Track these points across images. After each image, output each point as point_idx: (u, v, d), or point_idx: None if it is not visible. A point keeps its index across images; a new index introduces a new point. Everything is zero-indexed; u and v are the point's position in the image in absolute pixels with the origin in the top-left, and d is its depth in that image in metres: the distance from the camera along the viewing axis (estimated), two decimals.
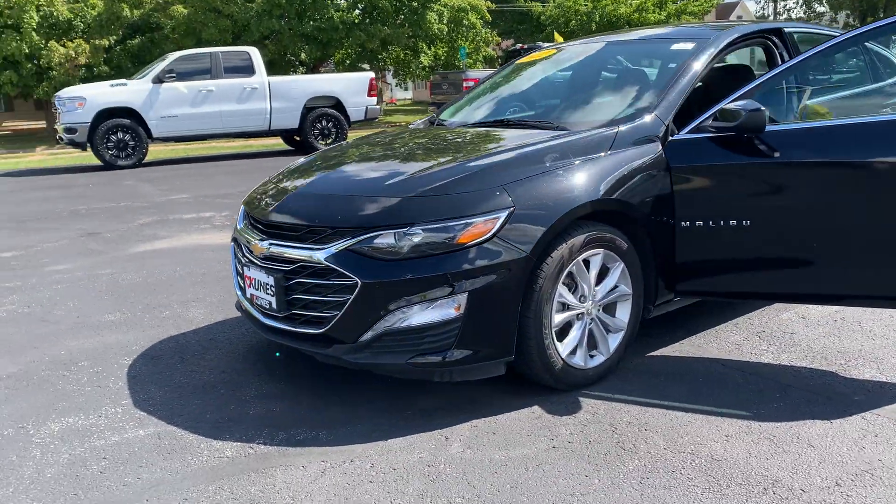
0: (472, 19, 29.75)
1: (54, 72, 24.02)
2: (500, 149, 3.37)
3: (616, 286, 3.28)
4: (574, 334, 3.17)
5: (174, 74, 13.18)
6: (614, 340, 3.31)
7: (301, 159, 4.05)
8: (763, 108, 3.09)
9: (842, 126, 3.19)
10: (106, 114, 12.76)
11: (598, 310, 3.25)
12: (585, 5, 33.63)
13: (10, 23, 24.06)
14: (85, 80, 21.40)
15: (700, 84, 3.83)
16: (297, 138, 15.03)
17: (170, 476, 2.65)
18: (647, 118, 3.42)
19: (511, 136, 3.60)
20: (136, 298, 4.88)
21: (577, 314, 3.18)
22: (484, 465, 2.62)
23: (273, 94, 13.98)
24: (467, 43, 30.15)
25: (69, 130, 12.71)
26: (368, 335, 2.93)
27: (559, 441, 2.78)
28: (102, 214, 8.37)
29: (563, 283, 3.10)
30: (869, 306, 3.26)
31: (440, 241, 2.86)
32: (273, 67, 27.44)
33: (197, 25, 25.80)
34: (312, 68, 28.80)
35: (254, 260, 3.32)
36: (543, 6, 35.68)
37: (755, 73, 4.18)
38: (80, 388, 3.45)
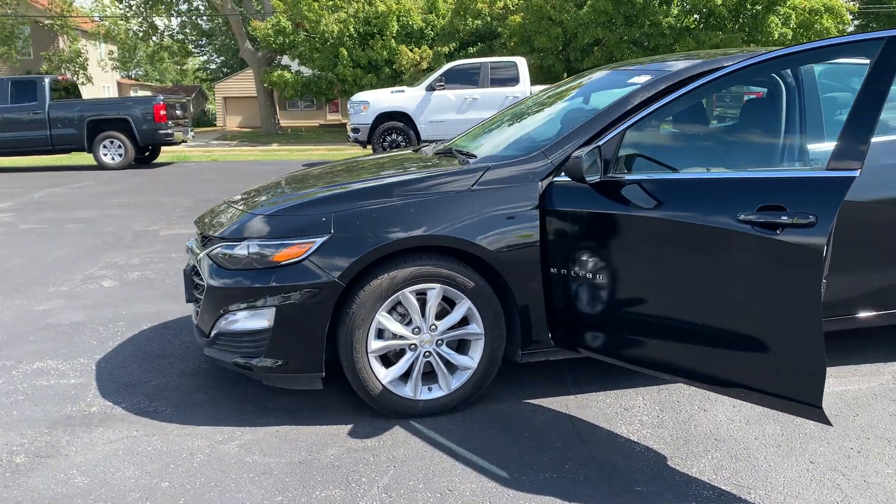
0: (825, 23, 26.88)
1: (405, 75, 27.27)
2: (371, 178, 3.51)
3: (466, 324, 3.24)
4: (401, 364, 3.22)
5: (444, 83, 14.35)
6: (458, 379, 3.26)
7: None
8: (581, 156, 2.82)
9: (683, 181, 2.75)
10: (385, 117, 14.40)
11: (440, 344, 3.23)
12: None
13: (374, 31, 28.00)
14: None
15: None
16: None
17: (36, 416, 3.34)
18: (531, 157, 3.27)
19: (405, 168, 3.68)
20: None
21: (410, 345, 3.22)
22: (227, 464, 2.88)
23: None
24: None
25: (354, 130, 14.61)
26: (213, 332, 3.34)
27: (312, 458, 2.91)
28: None
29: (394, 312, 3.18)
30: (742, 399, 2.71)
31: (260, 256, 3.15)
32: None
33: (531, 34, 27.28)
34: None
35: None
36: None
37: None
38: (89, 340, 4.36)
